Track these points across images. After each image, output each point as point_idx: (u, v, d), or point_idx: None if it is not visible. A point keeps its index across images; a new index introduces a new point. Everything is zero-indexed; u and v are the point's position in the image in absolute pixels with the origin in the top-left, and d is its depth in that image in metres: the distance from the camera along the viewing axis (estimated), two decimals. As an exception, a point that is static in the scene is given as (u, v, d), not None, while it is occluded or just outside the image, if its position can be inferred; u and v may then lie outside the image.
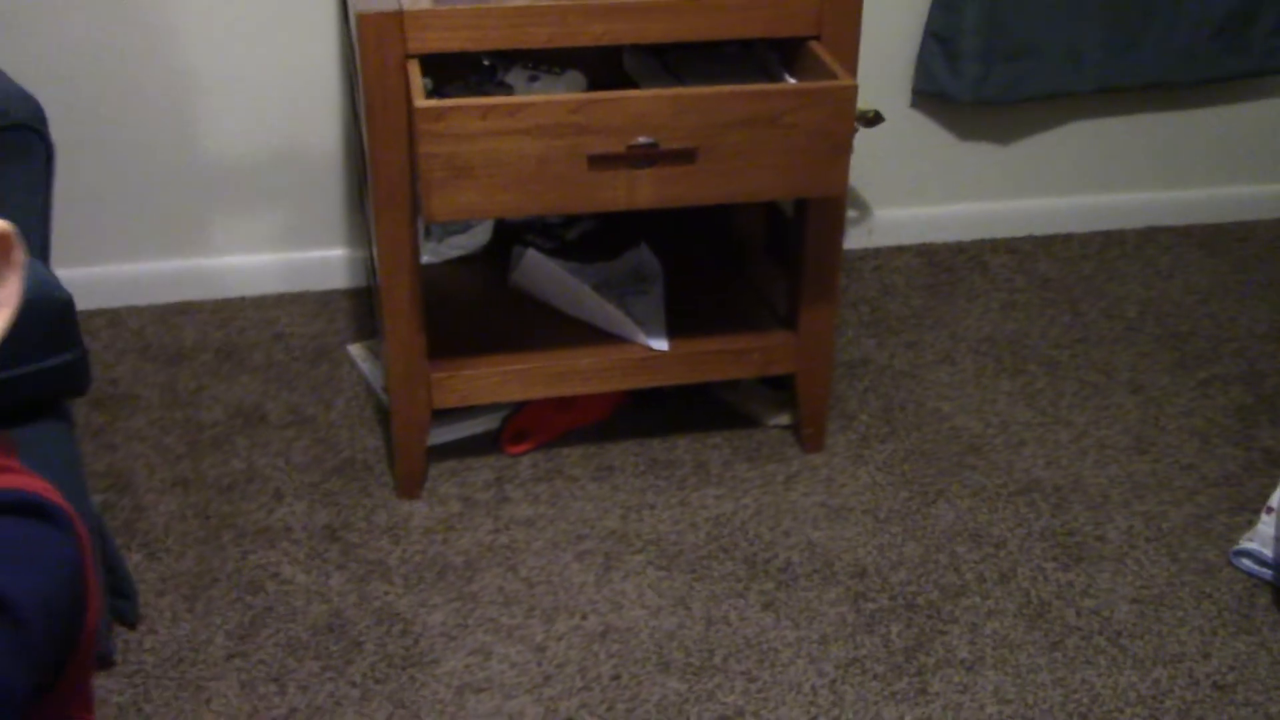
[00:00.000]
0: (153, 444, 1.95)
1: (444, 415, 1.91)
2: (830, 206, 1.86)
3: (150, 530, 1.77)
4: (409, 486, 1.86)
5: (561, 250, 2.10)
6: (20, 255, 0.65)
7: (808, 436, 1.99)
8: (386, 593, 1.70)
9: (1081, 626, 1.68)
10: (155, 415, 2.01)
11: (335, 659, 1.60)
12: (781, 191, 1.79)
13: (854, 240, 2.58)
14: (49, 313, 1.45)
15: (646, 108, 1.62)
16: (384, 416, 2.01)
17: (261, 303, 2.30)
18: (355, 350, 2.17)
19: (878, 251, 2.57)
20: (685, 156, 1.66)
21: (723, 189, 1.70)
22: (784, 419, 2.04)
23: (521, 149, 1.61)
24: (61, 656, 0.64)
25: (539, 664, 1.61)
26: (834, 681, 1.59)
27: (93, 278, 2.25)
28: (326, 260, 2.35)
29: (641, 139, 1.63)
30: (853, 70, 1.78)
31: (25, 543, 0.62)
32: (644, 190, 1.67)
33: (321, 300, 2.32)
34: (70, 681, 0.65)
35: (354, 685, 1.57)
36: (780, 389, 2.06)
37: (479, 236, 2.15)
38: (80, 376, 1.50)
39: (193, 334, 2.22)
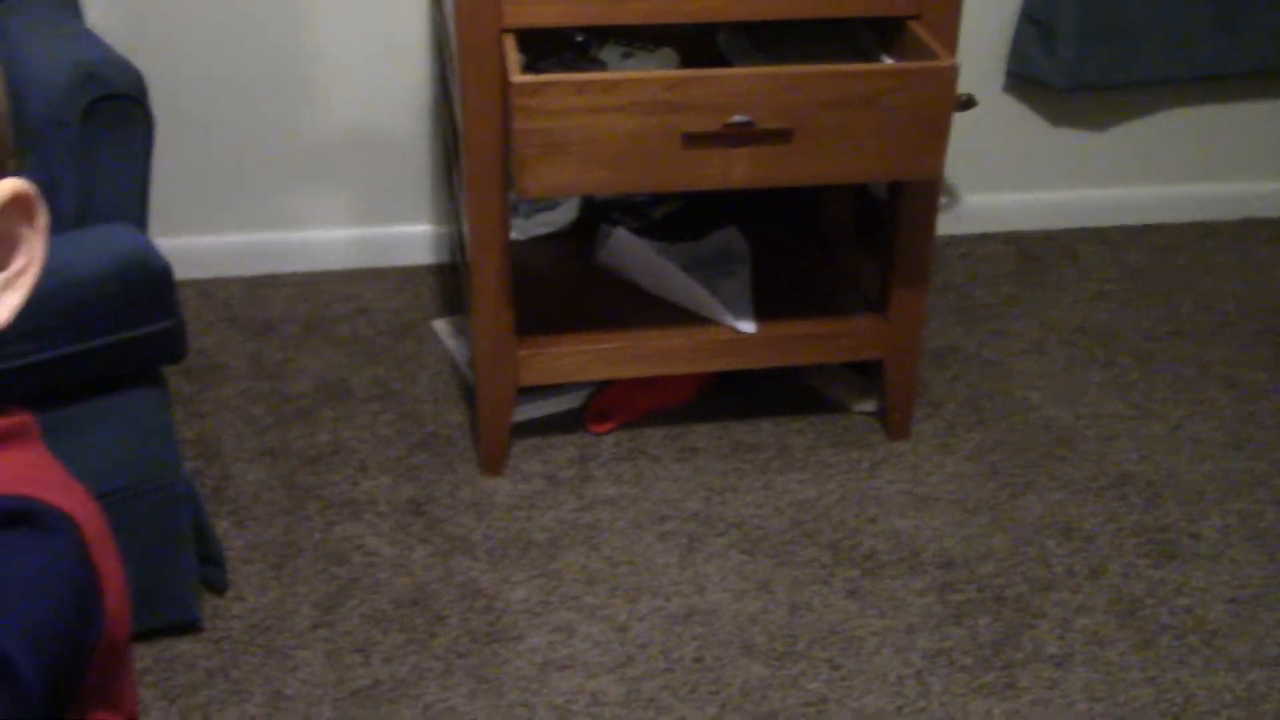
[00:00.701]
0: (240, 414, 1.97)
1: (528, 392, 1.90)
2: (925, 189, 1.83)
3: (238, 499, 1.79)
4: (493, 463, 1.86)
5: (648, 230, 2.08)
6: (43, 219, 0.63)
7: (894, 423, 1.96)
8: (470, 568, 1.70)
9: (1174, 625, 1.64)
10: (242, 385, 2.03)
11: (419, 632, 1.61)
12: (878, 173, 1.76)
13: (942, 226, 2.53)
14: (146, 280, 1.47)
15: (744, 86, 1.60)
16: (468, 393, 2.01)
17: (347, 277, 2.31)
18: (439, 326, 2.17)
19: (965, 238, 2.53)
20: (782, 136, 1.64)
21: (818, 170, 1.68)
22: (869, 405, 2.01)
23: (616, 126, 1.60)
24: (71, 670, 0.59)
25: (621, 644, 1.60)
26: (920, 672, 1.57)
27: (181, 248, 2.27)
28: (411, 236, 2.36)
29: (738, 118, 1.61)
30: (952, 51, 1.74)
31: (4, 565, 0.57)
32: (739, 170, 1.65)
33: (406, 276, 2.32)
34: (92, 682, 0.62)
35: (437, 658, 1.57)
36: (865, 374, 2.03)
37: (565, 214, 2.15)
38: (176, 344, 1.51)
39: (279, 306, 2.23)
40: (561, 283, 2.01)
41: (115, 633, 0.61)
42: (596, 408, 1.96)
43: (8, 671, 0.52)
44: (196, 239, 2.30)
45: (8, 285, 0.60)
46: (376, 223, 2.35)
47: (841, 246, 2.12)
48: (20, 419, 0.64)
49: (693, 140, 1.62)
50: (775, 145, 1.64)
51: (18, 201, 0.60)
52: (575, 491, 1.84)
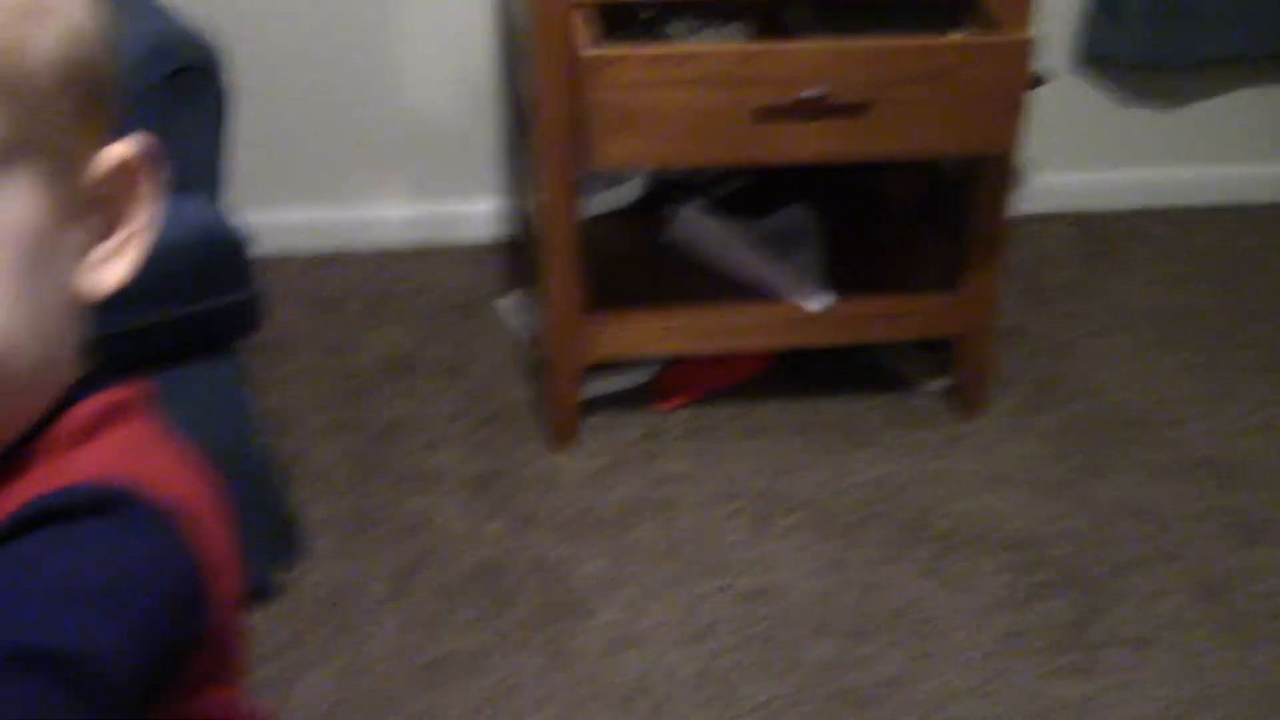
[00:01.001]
0: (309, 389, 1.98)
1: (596, 369, 1.90)
2: (1000, 164, 1.80)
3: (310, 472, 1.80)
4: (561, 439, 1.86)
5: (715, 206, 2.07)
6: (155, 184, 0.60)
7: (965, 403, 1.93)
8: (540, 543, 1.70)
9: (1258, 609, 1.61)
10: (310, 361, 2.04)
11: (490, 606, 1.60)
12: (951, 148, 1.74)
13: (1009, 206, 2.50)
14: (224, 252, 1.47)
15: (817, 59, 1.58)
16: (534, 369, 2.01)
17: (411, 254, 2.31)
18: (505, 302, 2.17)
19: (1033, 218, 2.49)
20: (855, 111, 1.62)
21: (891, 144, 1.66)
22: (940, 384, 1.99)
23: (688, 99, 1.58)
24: (169, 665, 0.55)
25: (692, 620, 1.59)
26: (996, 653, 1.55)
27: (248, 223, 2.28)
28: (476, 213, 2.36)
29: (810, 91, 1.59)
30: (1026, 25, 1.71)
31: (96, 565, 0.52)
32: (810, 145, 1.63)
33: (470, 252, 2.32)
34: (204, 669, 0.58)
35: (508, 633, 1.57)
36: (936, 352, 2.00)
37: (630, 190, 2.14)
38: (253, 316, 1.51)
39: (345, 282, 2.24)
40: (629, 259, 2.00)
41: (226, 617, 0.59)
42: (664, 384, 1.95)
43: (89, 682, 0.49)
44: (262, 213, 2.30)
45: (116, 252, 0.59)
46: (441, 199, 2.35)
47: (910, 223, 2.10)
48: (132, 392, 0.61)
49: (764, 114, 1.60)
50: (848, 119, 1.62)
51: (129, 165, 0.59)
52: (643, 468, 1.83)
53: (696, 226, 1.97)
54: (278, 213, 2.32)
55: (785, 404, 1.96)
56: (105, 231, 0.59)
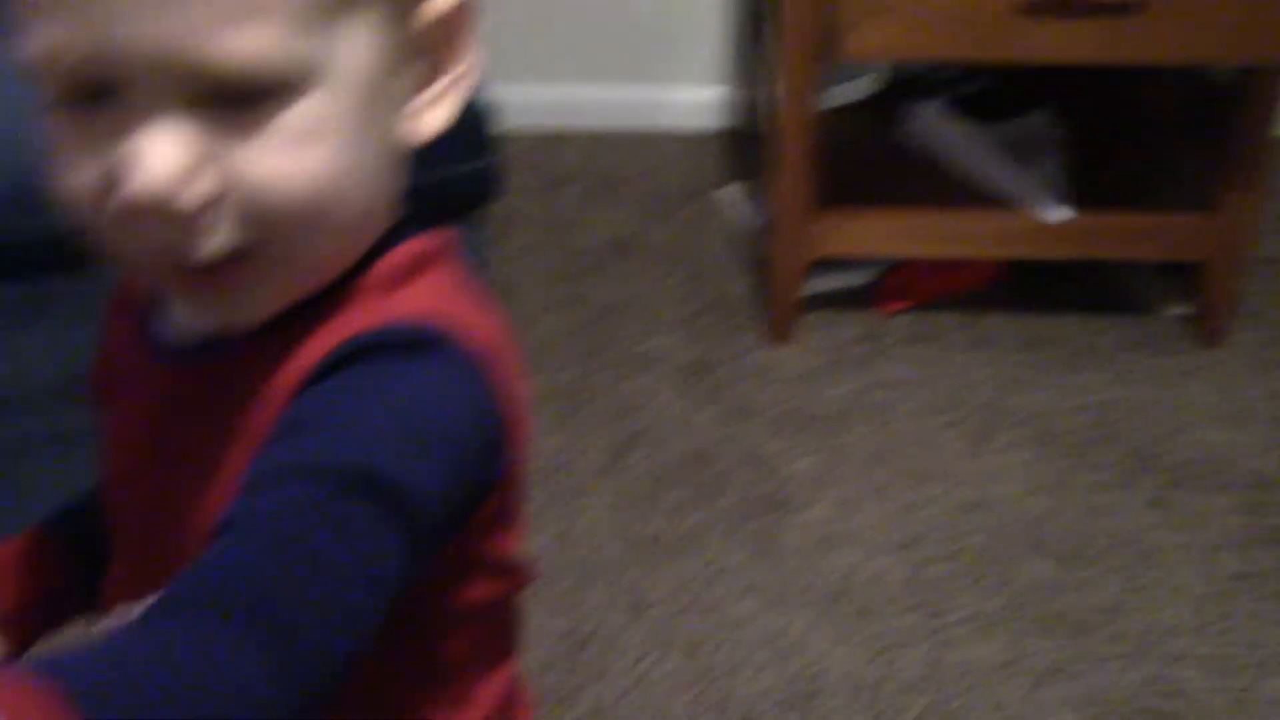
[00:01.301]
0: (533, 264, 2.00)
1: (821, 265, 1.86)
2: (1276, 78, 1.67)
3: (532, 345, 1.83)
4: (780, 333, 1.84)
5: (958, 106, 1.99)
6: (470, 35, 0.60)
7: (1207, 332, 1.83)
8: (753, 434, 1.70)
9: None
10: (536, 236, 2.06)
11: (701, 491, 1.61)
12: (1227, 57, 1.63)
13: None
14: (467, 119, 1.49)
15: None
16: (754, 261, 1.99)
17: (640, 137, 2.30)
18: (729, 192, 2.14)
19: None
20: (1127, 9, 1.52)
21: (1167, 49, 1.56)
22: (1180, 310, 1.89)
23: (949, -11, 1.51)
24: (465, 509, 0.56)
25: (904, 526, 1.57)
26: (1221, 594, 1.48)
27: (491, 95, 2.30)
28: (700, 100, 2.33)
29: (1083, -14, 1.50)
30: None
31: (412, 402, 0.53)
32: (1079, 44, 1.55)
33: (701, 139, 2.30)
34: (488, 515, 0.59)
35: (719, 518, 1.58)
36: (1180, 275, 1.90)
37: (866, 85, 2.07)
38: (491, 186, 1.53)
39: (568, 163, 2.25)
40: (862, 155, 1.95)
41: (518, 462, 0.60)
42: (889, 286, 1.90)
43: (403, 511, 0.50)
44: (493, 89, 2.32)
45: (436, 99, 0.59)
46: (665, 85, 2.33)
47: (1164, 136, 1.98)
48: (439, 240, 0.61)
49: (1031, 8, 1.52)
50: (1122, 18, 1.52)
51: (453, 13, 0.59)
52: (862, 369, 1.80)
53: (935, 126, 1.90)
54: (507, 88, 2.33)
55: (1013, 317, 1.89)
56: (427, 79, 0.59)
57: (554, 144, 2.30)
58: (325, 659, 0.48)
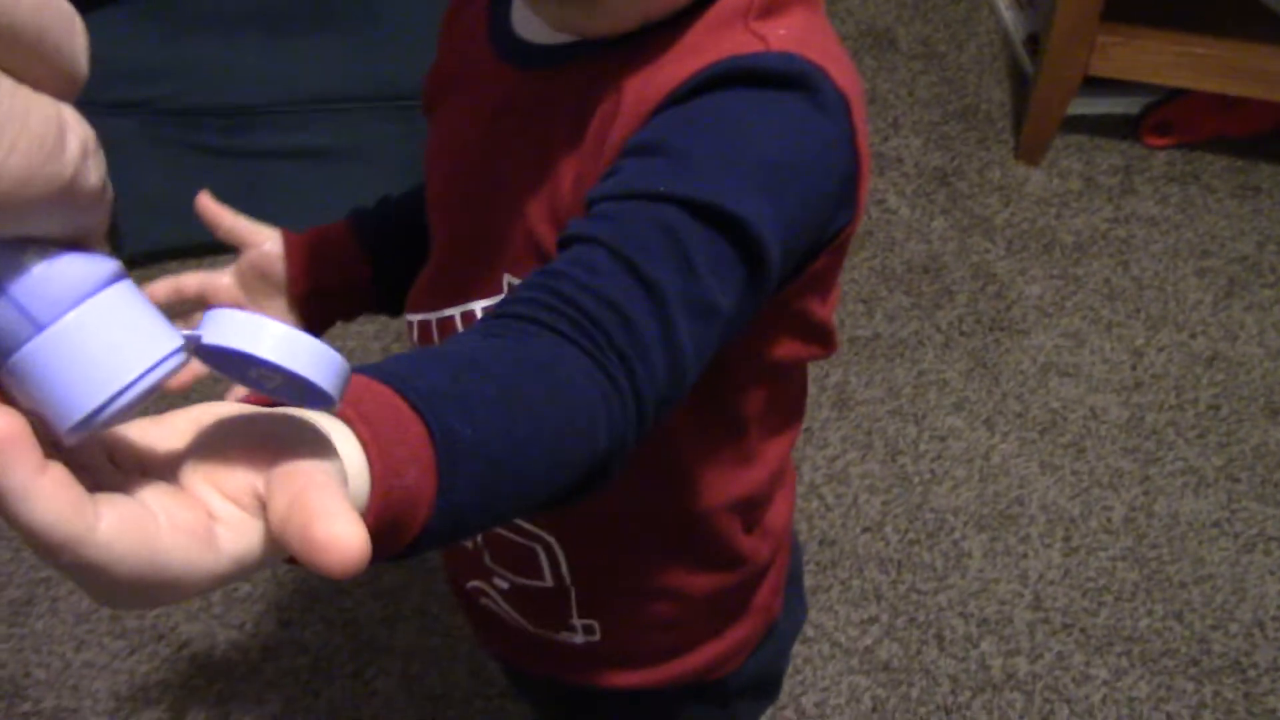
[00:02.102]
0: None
1: (1091, 85, 1.75)
2: None
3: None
4: (1032, 150, 1.75)
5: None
6: None
7: None
8: (987, 250, 1.64)
9: None
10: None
11: (925, 299, 1.58)
12: None
13: None
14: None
15: None
16: (1016, 71, 1.88)
17: (909, -77, 2.18)
18: (1000, -6, 2.02)
19: None
20: None
21: None
22: None
23: None
24: (809, 252, 0.55)
25: (1133, 367, 1.51)
26: None
27: None
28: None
29: None
30: None
31: (780, 136, 0.51)
32: None
33: (972, -66, 2.16)
34: (817, 269, 0.57)
35: (939, 330, 1.55)
36: None
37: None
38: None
39: (834, -59, 2.14)
40: (1157, -29, 1.79)
41: (851, 230, 0.57)
42: (1159, 118, 1.78)
43: (757, 251, 0.49)
44: None
45: None
46: None
47: None
48: None
49: None
50: None
51: None
52: (1114, 201, 1.71)
53: (1246, -52, 1.73)
54: None
55: (1290, 169, 1.75)
56: None
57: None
58: (671, 376, 0.47)
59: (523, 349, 0.44)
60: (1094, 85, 1.74)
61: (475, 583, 0.74)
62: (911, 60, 1.91)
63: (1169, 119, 1.77)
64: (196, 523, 0.30)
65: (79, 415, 0.28)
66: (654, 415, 0.48)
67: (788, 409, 0.68)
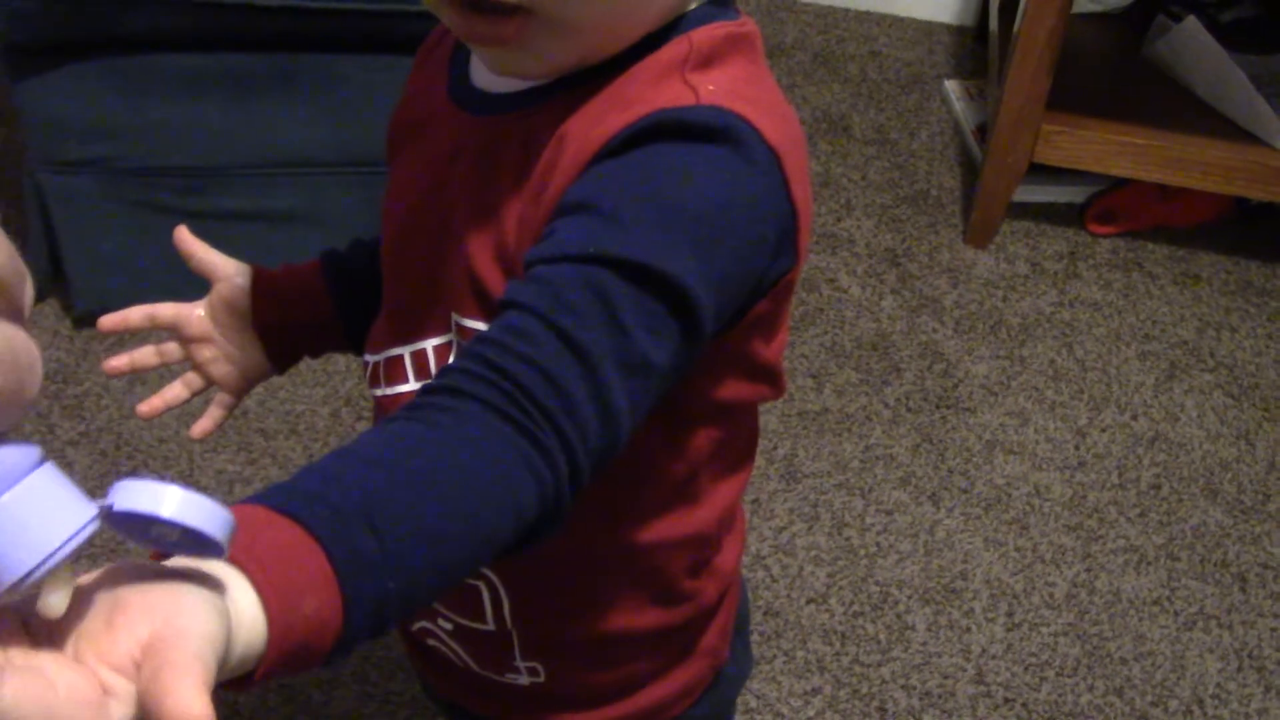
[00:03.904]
0: (739, 126, 1.98)
1: (1036, 173, 1.80)
2: None
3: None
4: (980, 235, 1.79)
5: (1214, 30, 1.87)
6: None
7: None
8: (935, 330, 1.67)
9: None
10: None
11: (874, 376, 1.60)
12: None
13: None
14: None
15: None
16: (965, 159, 1.93)
17: (865, 18, 2.25)
18: (951, 87, 2.08)
19: None
20: None
21: None
22: None
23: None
24: (744, 305, 0.56)
25: (1076, 447, 1.53)
26: (1402, 573, 1.42)
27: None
28: (939, -11, 2.25)
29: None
30: None
31: (710, 190, 0.52)
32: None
33: (925, 29, 2.23)
34: (761, 312, 0.58)
35: (886, 406, 1.57)
36: None
37: (1118, -3, 1.97)
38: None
39: (794, 32, 2.20)
40: (1102, 67, 1.86)
41: (794, 274, 0.59)
42: (1102, 207, 1.83)
43: (687, 306, 0.51)
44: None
45: None
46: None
47: None
48: (748, 26, 0.59)
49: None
50: None
51: None
52: (1059, 285, 1.75)
53: (1185, 47, 1.80)
54: (743, -53, 2.29)
55: (1229, 259, 1.80)
56: None
57: (780, 11, 2.25)
58: (604, 430, 0.49)
59: (443, 434, 0.46)
60: (1041, 173, 1.79)
61: (423, 623, 0.74)
62: (865, 146, 1.96)
63: (1112, 208, 1.82)
64: (90, 692, 0.34)
65: (12, 578, 0.33)
66: (590, 470, 0.49)
67: (738, 451, 0.69)
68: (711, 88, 0.54)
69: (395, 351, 0.66)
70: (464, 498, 0.45)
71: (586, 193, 0.52)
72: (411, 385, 0.65)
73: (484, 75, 0.61)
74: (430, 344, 0.64)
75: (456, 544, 0.44)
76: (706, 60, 0.56)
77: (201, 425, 0.77)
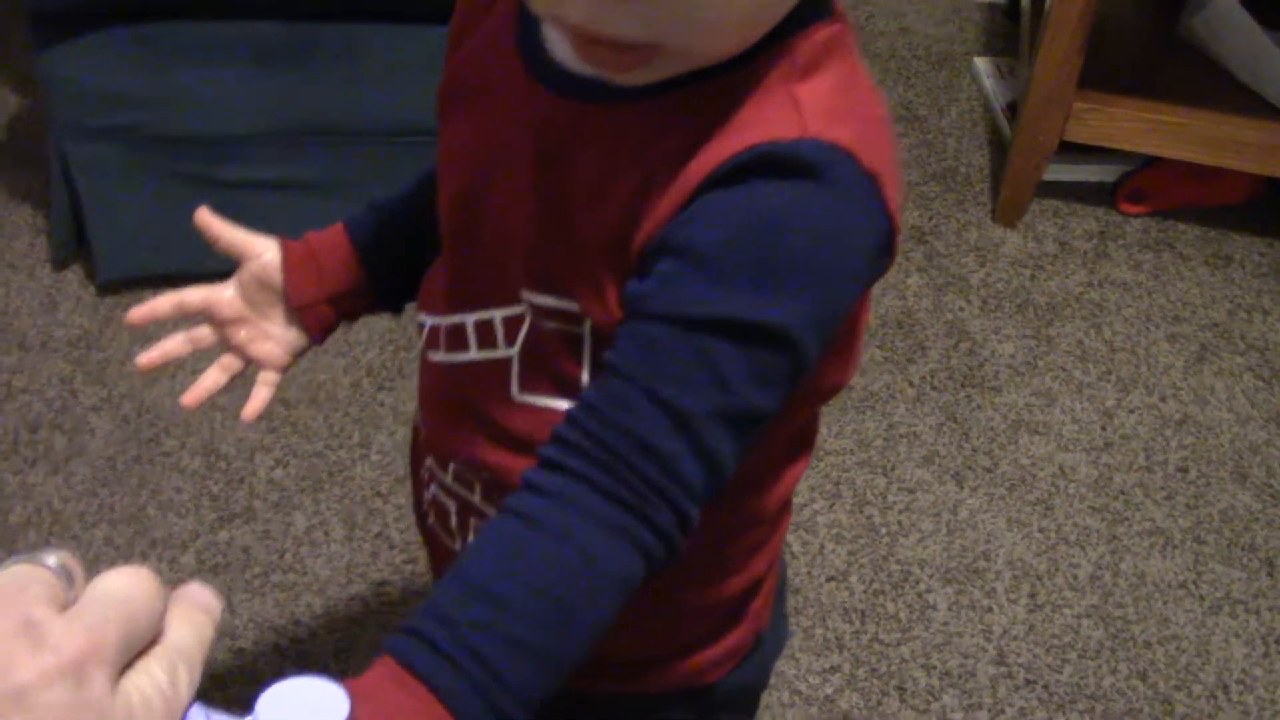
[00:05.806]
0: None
1: (1067, 151, 1.77)
2: None
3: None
4: (1009, 213, 1.77)
5: (1252, 6, 1.84)
6: None
7: None
8: (961, 309, 1.65)
9: None
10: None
11: (898, 354, 1.59)
12: None
13: None
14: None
15: None
16: (994, 137, 1.91)
17: (895, -8, 2.22)
18: (981, 64, 2.05)
19: None
20: None
21: None
22: None
23: None
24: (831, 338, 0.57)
25: (1103, 428, 1.51)
26: None
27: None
28: (971, -35, 2.22)
29: None
30: None
31: (809, 234, 0.52)
32: None
33: (955, 6, 2.20)
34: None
35: (911, 384, 1.55)
36: None
37: (1153, -27, 1.93)
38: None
39: (820, 7, 2.18)
40: (1135, 44, 1.83)
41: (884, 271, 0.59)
42: (1133, 186, 1.80)
43: (792, 350, 0.53)
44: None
45: None
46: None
47: None
48: (841, 26, 0.57)
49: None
50: None
51: None
52: (1088, 265, 1.72)
53: (1222, 23, 1.76)
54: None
55: (1262, 241, 1.77)
56: None
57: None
58: (709, 481, 0.53)
59: (547, 541, 0.51)
60: (1071, 152, 1.77)
61: None
62: (894, 123, 1.93)
63: (1143, 187, 1.80)
64: None
65: None
66: (698, 516, 0.53)
67: (805, 441, 0.71)
68: (813, 108, 0.54)
69: (458, 319, 0.65)
70: (579, 610, 0.51)
71: (690, 234, 0.53)
72: (473, 354, 0.65)
73: (564, 50, 0.57)
74: (498, 315, 0.63)
75: (574, 649, 0.51)
76: (809, 68, 0.55)
77: (252, 407, 0.76)
